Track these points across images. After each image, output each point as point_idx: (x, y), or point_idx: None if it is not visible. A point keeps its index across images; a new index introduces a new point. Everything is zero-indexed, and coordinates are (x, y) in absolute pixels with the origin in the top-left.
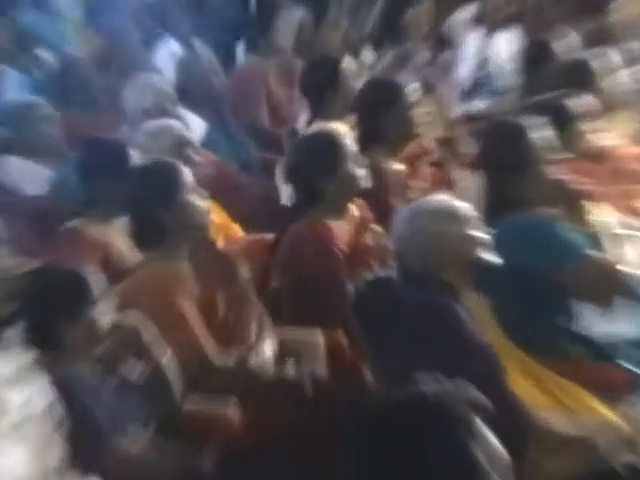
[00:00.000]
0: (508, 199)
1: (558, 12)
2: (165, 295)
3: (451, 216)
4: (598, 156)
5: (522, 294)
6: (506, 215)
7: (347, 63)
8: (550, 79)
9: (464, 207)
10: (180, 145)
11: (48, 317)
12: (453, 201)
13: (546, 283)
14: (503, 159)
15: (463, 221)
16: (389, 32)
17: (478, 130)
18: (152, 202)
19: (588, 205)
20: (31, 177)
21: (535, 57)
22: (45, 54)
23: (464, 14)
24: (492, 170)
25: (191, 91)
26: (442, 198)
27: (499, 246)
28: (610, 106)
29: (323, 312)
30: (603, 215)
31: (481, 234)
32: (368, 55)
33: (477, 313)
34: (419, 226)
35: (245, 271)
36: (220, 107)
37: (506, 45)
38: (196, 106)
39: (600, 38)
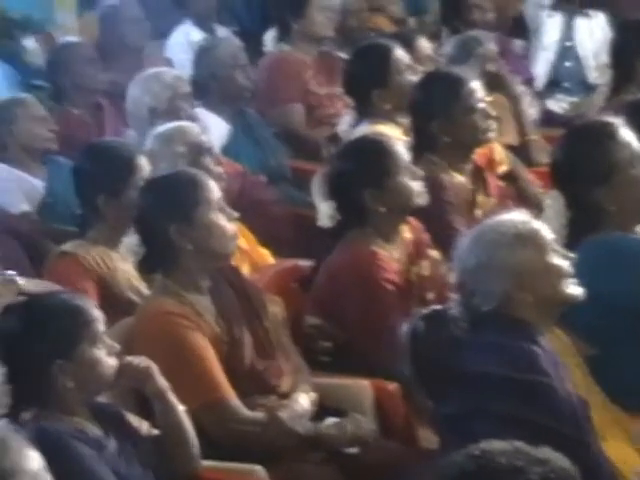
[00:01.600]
0: (593, 216)
1: None
2: (178, 335)
3: (526, 241)
4: None
5: (617, 333)
6: (592, 236)
7: (399, 53)
8: None
9: (543, 228)
10: (197, 152)
11: (40, 361)
12: (530, 222)
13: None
14: (588, 169)
15: (542, 246)
16: (449, 17)
17: (558, 135)
18: (166, 221)
19: None
20: (17, 188)
21: (629, 46)
22: (32, 43)
23: None
24: (575, 182)
25: (211, 87)
26: (516, 218)
27: (585, 275)
28: None
29: (371, 358)
30: None
31: (564, 262)
32: (425, 44)
33: (564, 358)
34: (488, 252)
35: (276, 308)
36: (246, 106)
37: (593, 32)
38: (217, 105)
39: None
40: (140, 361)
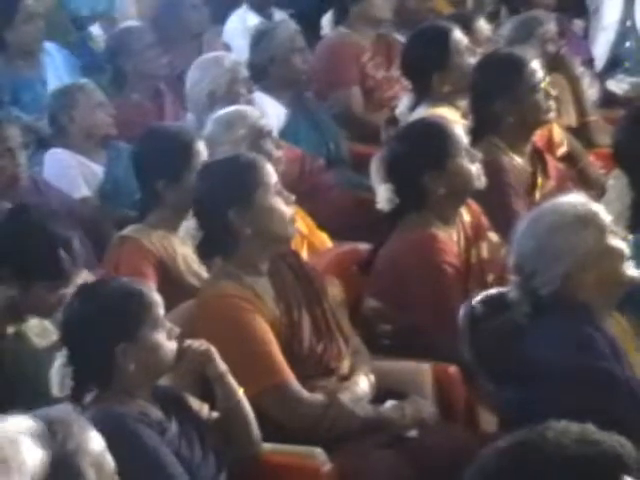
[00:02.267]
0: None
1: None
2: (238, 318)
3: (587, 223)
4: None
5: None
6: None
7: (458, 35)
8: None
9: (601, 210)
10: (257, 136)
11: (103, 344)
12: (589, 204)
13: None
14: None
15: (602, 228)
16: None
17: (618, 116)
18: (225, 205)
19: None
20: (78, 173)
21: None
22: (97, 29)
23: None
24: (638, 162)
25: (269, 71)
26: (576, 200)
27: None
28: None
29: (431, 341)
30: None
31: (624, 245)
32: (484, 25)
33: (623, 342)
34: (548, 235)
35: (335, 289)
36: (304, 90)
37: None
38: (274, 89)
39: None
40: (200, 344)
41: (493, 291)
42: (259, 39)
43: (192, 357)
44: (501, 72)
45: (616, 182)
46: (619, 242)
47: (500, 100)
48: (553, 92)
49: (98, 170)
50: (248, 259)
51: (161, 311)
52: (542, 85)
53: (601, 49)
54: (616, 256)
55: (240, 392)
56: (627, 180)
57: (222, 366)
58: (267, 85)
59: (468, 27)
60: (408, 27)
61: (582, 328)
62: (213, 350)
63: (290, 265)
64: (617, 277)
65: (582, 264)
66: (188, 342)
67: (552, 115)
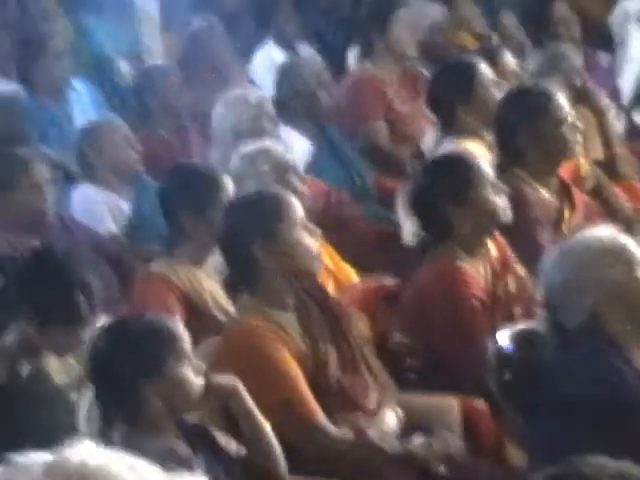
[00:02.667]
0: None
1: None
2: (264, 352)
3: (615, 257)
4: None
5: None
6: None
7: (484, 69)
8: None
9: (630, 243)
10: (281, 171)
11: (130, 380)
12: (618, 237)
13: None
14: None
15: (630, 261)
16: (534, 30)
17: None
18: (250, 239)
19: None
20: (105, 210)
21: None
22: (124, 65)
23: (630, 5)
24: None
25: (294, 106)
26: (603, 233)
27: None
28: None
29: (458, 375)
30: None
31: None
32: (510, 59)
33: None
34: (575, 268)
35: (361, 324)
36: (329, 124)
37: None
38: (300, 123)
39: None
40: (227, 380)
41: (520, 325)
42: (285, 73)
43: (219, 393)
44: (526, 106)
45: None
46: None
47: (525, 134)
48: (579, 125)
49: (125, 206)
50: (273, 294)
51: (187, 346)
52: (568, 119)
53: (627, 82)
54: None
55: (267, 427)
56: None
57: (249, 402)
58: (292, 119)
59: (494, 61)
60: (434, 62)
61: (611, 362)
62: (240, 386)
63: (316, 300)
64: None
65: (609, 298)
66: (215, 377)
67: (578, 149)
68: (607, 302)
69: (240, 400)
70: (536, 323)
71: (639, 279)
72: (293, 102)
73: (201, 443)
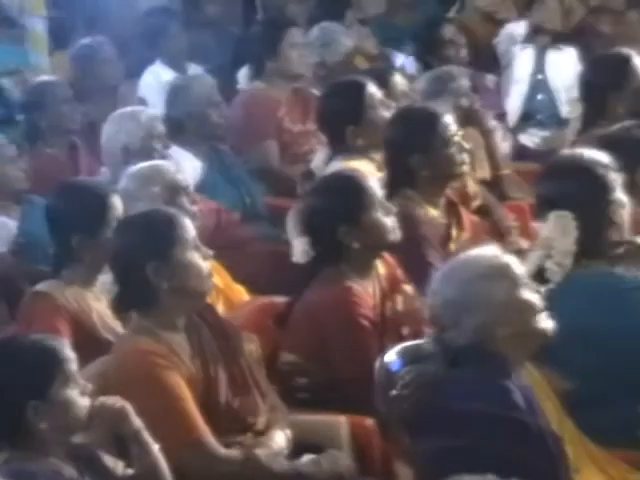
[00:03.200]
0: (592, 244)
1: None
2: (153, 373)
3: (499, 276)
4: None
5: (594, 370)
6: (579, 271)
7: (373, 90)
8: (624, 103)
9: (514, 262)
10: (172, 192)
11: (14, 402)
12: (502, 256)
13: (626, 358)
14: (576, 201)
15: (514, 281)
16: (423, 53)
17: (530, 169)
18: (143, 260)
19: None
20: None
21: (600, 81)
22: (6, 82)
23: (515, 28)
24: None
25: (185, 125)
26: (488, 253)
27: (567, 310)
28: None
29: (348, 394)
30: None
31: (536, 296)
32: (400, 80)
33: (538, 394)
34: (461, 288)
35: (251, 344)
36: (220, 144)
37: (564, 65)
38: (191, 143)
39: None
40: (114, 401)
41: (408, 343)
42: (175, 93)
43: (106, 414)
44: (414, 126)
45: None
46: (532, 295)
47: (414, 154)
48: (467, 146)
49: (12, 225)
50: (164, 314)
51: (74, 367)
52: (455, 139)
53: (514, 102)
54: (529, 310)
55: (156, 449)
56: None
57: (137, 423)
58: (184, 139)
59: (384, 82)
60: (324, 82)
61: (497, 379)
62: (128, 407)
63: (206, 320)
64: (530, 331)
65: (495, 317)
66: (102, 399)
67: (466, 168)
68: (492, 322)
69: (127, 421)
70: (425, 341)
71: (521, 299)
72: (184, 122)
73: (87, 464)
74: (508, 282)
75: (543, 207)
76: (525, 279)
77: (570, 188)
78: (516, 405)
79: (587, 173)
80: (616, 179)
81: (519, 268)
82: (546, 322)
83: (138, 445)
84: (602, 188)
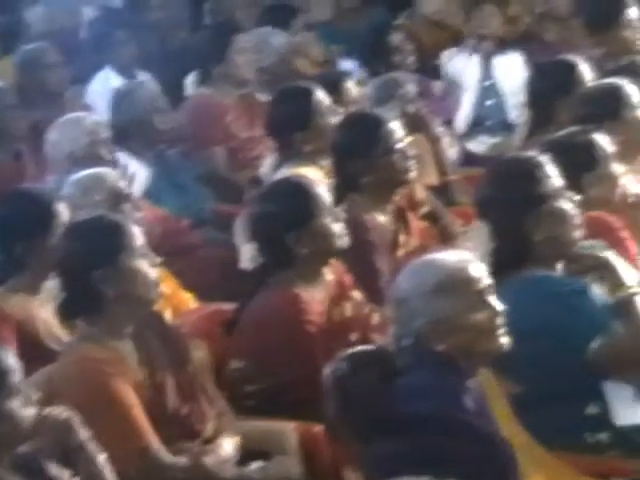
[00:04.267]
0: (518, 248)
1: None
2: (100, 381)
3: (461, 289)
4: (632, 206)
5: (540, 374)
6: (516, 269)
7: (321, 96)
8: (570, 110)
9: (475, 278)
10: (116, 199)
11: None
12: (463, 269)
13: (569, 361)
14: (514, 200)
15: (475, 298)
16: (371, 59)
17: (478, 175)
18: (89, 267)
19: (618, 264)
20: None
21: (546, 87)
22: None
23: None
24: (501, 213)
25: (131, 132)
26: (458, 260)
27: (512, 312)
28: (637, 144)
29: (297, 400)
30: None
31: (491, 313)
32: (350, 86)
33: (488, 397)
34: (417, 289)
35: (199, 351)
36: (167, 150)
37: (511, 71)
38: (137, 150)
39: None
40: (60, 412)
41: (357, 349)
42: (120, 100)
43: (52, 425)
44: (357, 132)
45: (477, 232)
46: (490, 311)
47: (356, 160)
48: (412, 152)
49: None
50: (111, 322)
51: (18, 378)
52: (399, 146)
53: (463, 109)
54: (481, 329)
55: (102, 460)
56: (489, 231)
57: (83, 434)
58: (129, 146)
59: (334, 88)
60: (272, 87)
61: (447, 381)
62: (74, 418)
63: (154, 328)
64: (481, 349)
65: (445, 328)
66: (48, 409)
67: (410, 176)
68: (443, 330)
69: (73, 433)
70: (376, 346)
71: (476, 318)
72: (128, 128)
73: (32, 474)
74: (465, 298)
75: (479, 213)
76: (484, 294)
77: (503, 194)
78: (466, 408)
79: (520, 180)
80: (555, 186)
81: (483, 281)
82: (500, 340)
83: (84, 456)
84: (535, 194)
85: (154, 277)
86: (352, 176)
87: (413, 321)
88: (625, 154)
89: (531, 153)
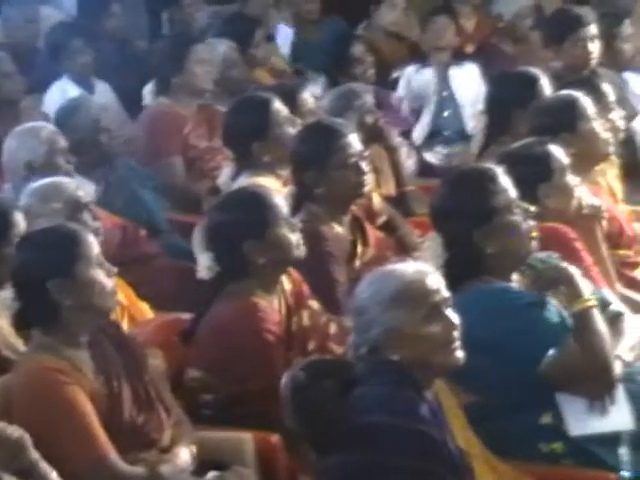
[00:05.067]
0: (471, 259)
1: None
2: (56, 391)
3: (417, 302)
4: (587, 217)
5: (495, 383)
6: (470, 280)
7: (278, 106)
8: (527, 121)
9: (432, 291)
10: (73, 208)
11: None
12: (419, 281)
13: (524, 371)
14: (467, 211)
15: (431, 311)
16: (330, 70)
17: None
18: (45, 276)
19: (576, 276)
20: None
21: (503, 98)
22: None
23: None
24: (455, 224)
25: (76, 151)
26: (417, 272)
27: (467, 323)
28: (592, 156)
29: (254, 410)
30: (596, 288)
31: (448, 327)
32: (307, 96)
33: (444, 407)
34: (374, 298)
35: (156, 361)
36: (120, 160)
37: (467, 81)
38: (82, 169)
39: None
40: (12, 431)
41: (314, 358)
42: (62, 121)
43: (4, 444)
44: (315, 143)
45: (432, 243)
46: (445, 326)
47: (312, 171)
48: (367, 168)
49: None
50: (67, 331)
51: None
52: (353, 160)
53: (421, 120)
54: (435, 343)
55: (53, 476)
56: (442, 242)
57: (34, 455)
58: (76, 164)
59: (291, 98)
60: (230, 97)
61: (403, 391)
62: (26, 438)
63: (110, 337)
64: (434, 362)
65: (399, 340)
66: (1, 426)
67: (365, 190)
68: (397, 342)
69: (25, 452)
70: (334, 356)
71: (429, 331)
72: (74, 148)
73: None
74: (422, 309)
75: (433, 224)
76: (435, 308)
77: (455, 206)
78: (422, 418)
79: (473, 192)
80: (509, 198)
81: (440, 294)
82: (455, 354)
83: (36, 474)
84: (487, 207)
85: (111, 287)
86: (308, 187)
87: (370, 330)
88: (580, 166)
89: (486, 165)
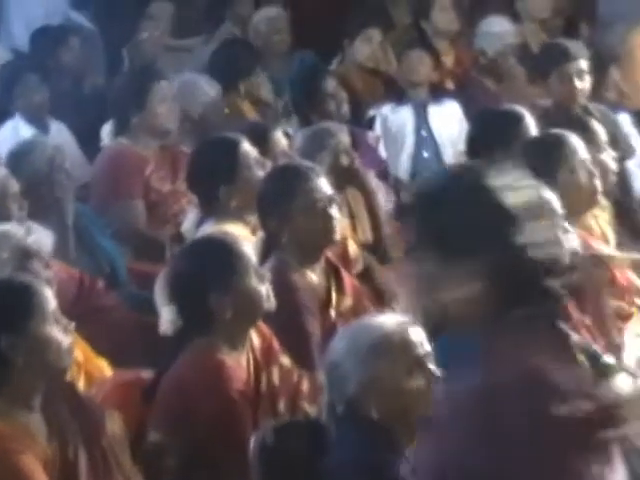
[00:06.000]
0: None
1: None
2: (6, 460)
3: (383, 355)
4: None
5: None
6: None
7: (247, 148)
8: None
9: (413, 344)
10: (22, 257)
11: None
12: (400, 332)
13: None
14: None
15: (390, 364)
16: (302, 106)
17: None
18: None
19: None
20: None
21: (486, 136)
22: None
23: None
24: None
25: (27, 196)
26: (386, 322)
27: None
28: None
29: (220, 472)
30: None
31: (428, 380)
32: (280, 137)
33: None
34: (343, 355)
35: (114, 423)
36: (75, 205)
37: (448, 120)
38: (37, 214)
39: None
40: None
41: (284, 419)
42: (14, 164)
43: None
44: (277, 187)
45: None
46: (421, 380)
47: (277, 218)
48: (337, 213)
49: None
50: (19, 393)
51: None
52: (320, 206)
53: (400, 160)
54: (413, 398)
55: None
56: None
57: None
58: (30, 210)
59: (263, 138)
60: (196, 138)
61: (379, 453)
62: None
63: (65, 398)
64: (408, 416)
65: (375, 396)
66: None
67: (334, 237)
68: (372, 398)
69: None
70: (305, 416)
71: (408, 387)
72: (26, 193)
73: None
74: (402, 362)
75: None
76: (419, 361)
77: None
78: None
79: None
80: None
81: (422, 346)
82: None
83: None
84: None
85: (67, 344)
86: (280, 234)
87: (346, 385)
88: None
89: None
